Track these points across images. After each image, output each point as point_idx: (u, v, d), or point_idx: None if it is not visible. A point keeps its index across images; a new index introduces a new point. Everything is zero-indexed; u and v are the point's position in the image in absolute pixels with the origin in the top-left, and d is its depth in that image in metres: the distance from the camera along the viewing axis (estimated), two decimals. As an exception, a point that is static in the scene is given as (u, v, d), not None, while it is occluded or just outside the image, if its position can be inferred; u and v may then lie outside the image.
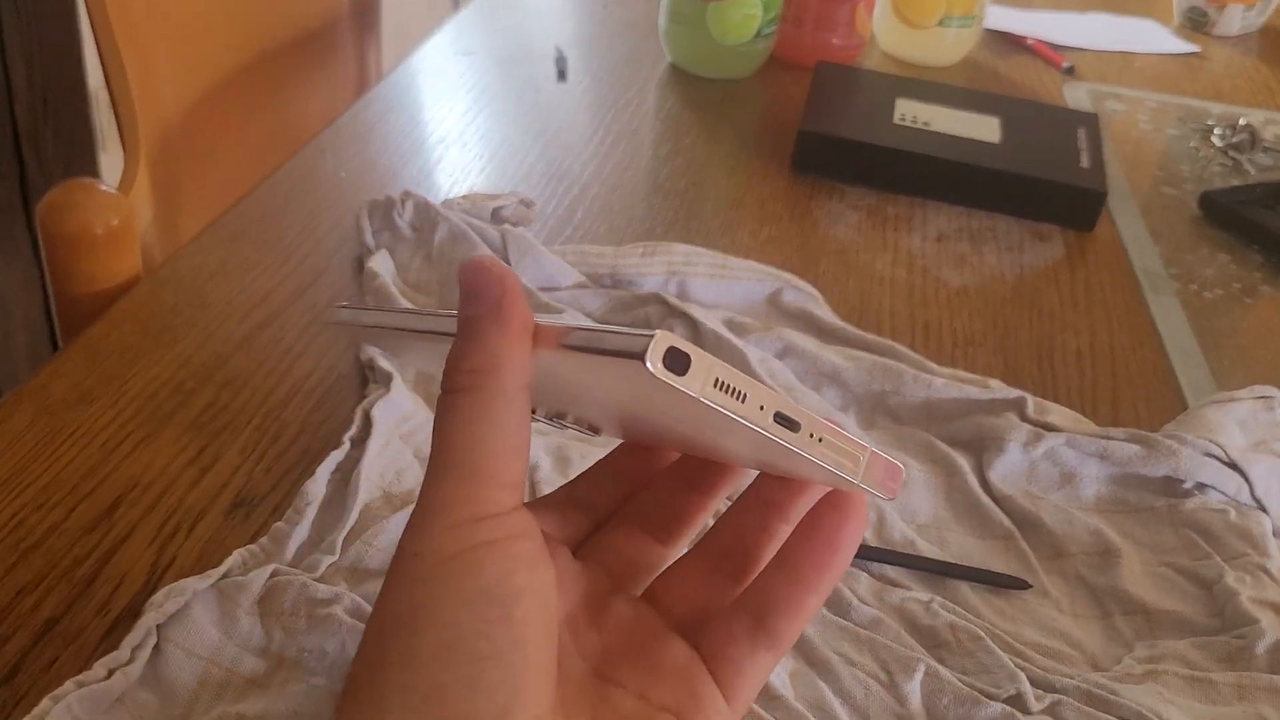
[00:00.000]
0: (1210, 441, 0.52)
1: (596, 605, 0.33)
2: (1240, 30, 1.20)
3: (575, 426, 0.35)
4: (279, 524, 0.46)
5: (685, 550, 0.35)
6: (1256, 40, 1.22)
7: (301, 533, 0.46)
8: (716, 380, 0.25)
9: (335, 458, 0.49)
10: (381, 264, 0.63)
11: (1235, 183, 0.87)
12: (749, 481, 0.35)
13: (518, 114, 0.87)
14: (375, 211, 0.68)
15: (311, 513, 0.47)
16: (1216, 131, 0.94)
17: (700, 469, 0.36)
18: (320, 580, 0.44)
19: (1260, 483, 0.51)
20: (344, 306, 0.37)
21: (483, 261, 0.29)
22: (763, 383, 0.27)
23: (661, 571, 0.35)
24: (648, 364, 0.24)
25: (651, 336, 0.24)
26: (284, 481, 0.50)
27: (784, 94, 0.96)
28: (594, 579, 0.34)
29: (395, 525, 0.47)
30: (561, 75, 0.95)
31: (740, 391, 0.26)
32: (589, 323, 0.28)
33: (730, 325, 0.61)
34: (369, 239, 0.66)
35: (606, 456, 0.37)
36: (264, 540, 0.46)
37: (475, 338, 0.28)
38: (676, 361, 0.24)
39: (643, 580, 0.35)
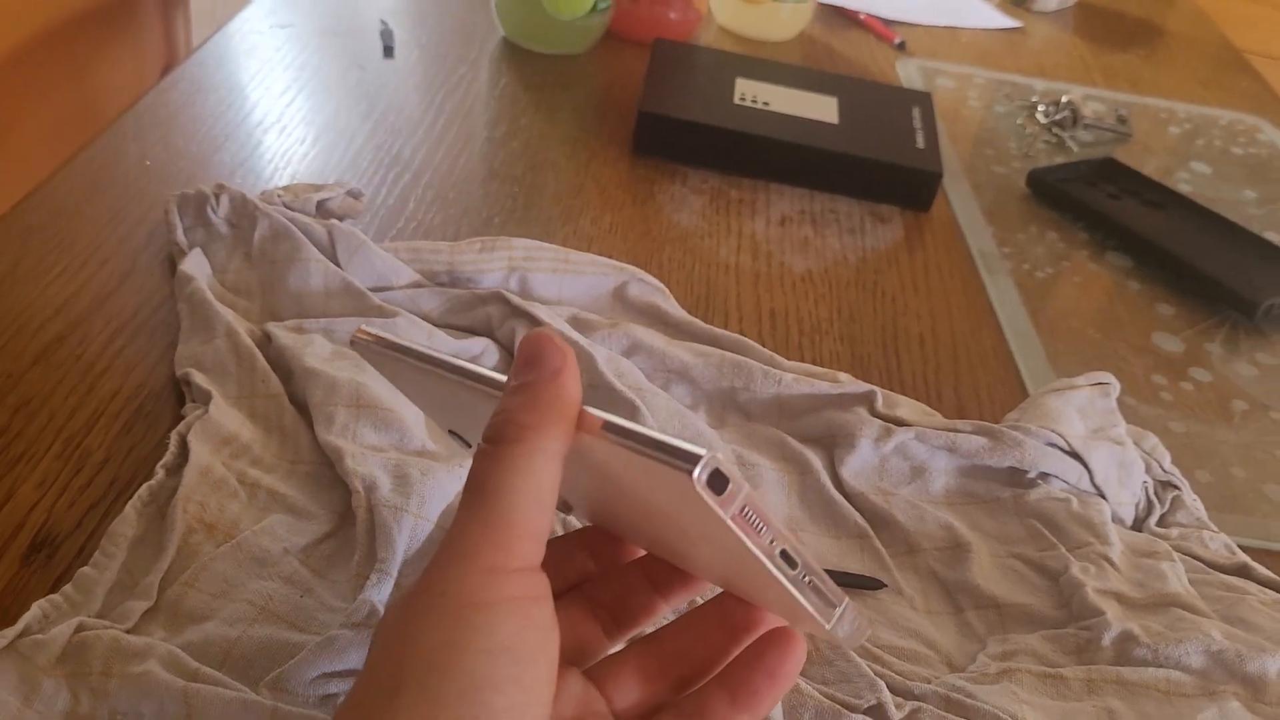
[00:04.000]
0: (1052, 431, 0.52)
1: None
2: (1058, 5, 1.24)
3: None
4: (85, 569, 0.42)
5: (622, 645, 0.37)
6: (1072, 15, 1.26)
7: (111, 577, 0.42)
8: (744, 508, 0.28)
9: (147, 490, 0.45)
10: (196, 265, 0.58)
11: (1059, 160, 0.89)
12: (702, 591, 0.37)
13: (342, 93, 0.82)
14: (186, 206, 0.62)
15: (121, 554, 0.43)
16: (1040, 109, 0.96)
17: (666, 572, 0.36)
18: (134, 630, 0.40)
19: (1100, 470, 0.52)
20: (371, 333, 0.36)
21: (549, 335, 0.31)
22: (778, 520, 0.29)
23: (605, 658, 0.36)
24: (695, 482, 0.26)
25: (701, 456, 0.26)
26: (89, 518, 0.45)
27: (623, 70, 0.93)
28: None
29: (220, 563, 0.43)
30: (388, 51, 0.90)
31: (760, 524, 0.28)
32: (629, 422, 0.29)
33: (575, 322, 0.59)
34: (180, 237, 0.61)
35: (580, 531, 0.38)
36: (68, 588, 0.41)
37: (531, 397, 0.30)
38: (717, 482, 0.27)
39: (582, 663, 0.36)
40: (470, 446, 0.36)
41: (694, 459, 0.27)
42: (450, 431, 0.41)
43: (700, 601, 0.37)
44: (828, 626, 0.32)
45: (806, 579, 0.30)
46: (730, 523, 0.28)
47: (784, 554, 0.29)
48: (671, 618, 0.37)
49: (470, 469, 0.30)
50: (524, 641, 0.28)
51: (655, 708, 0.34)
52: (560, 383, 0.30)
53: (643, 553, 0.37)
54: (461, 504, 0.30)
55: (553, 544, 0.36)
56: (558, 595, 0.35)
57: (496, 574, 0.29)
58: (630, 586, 0.36)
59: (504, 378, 0.32)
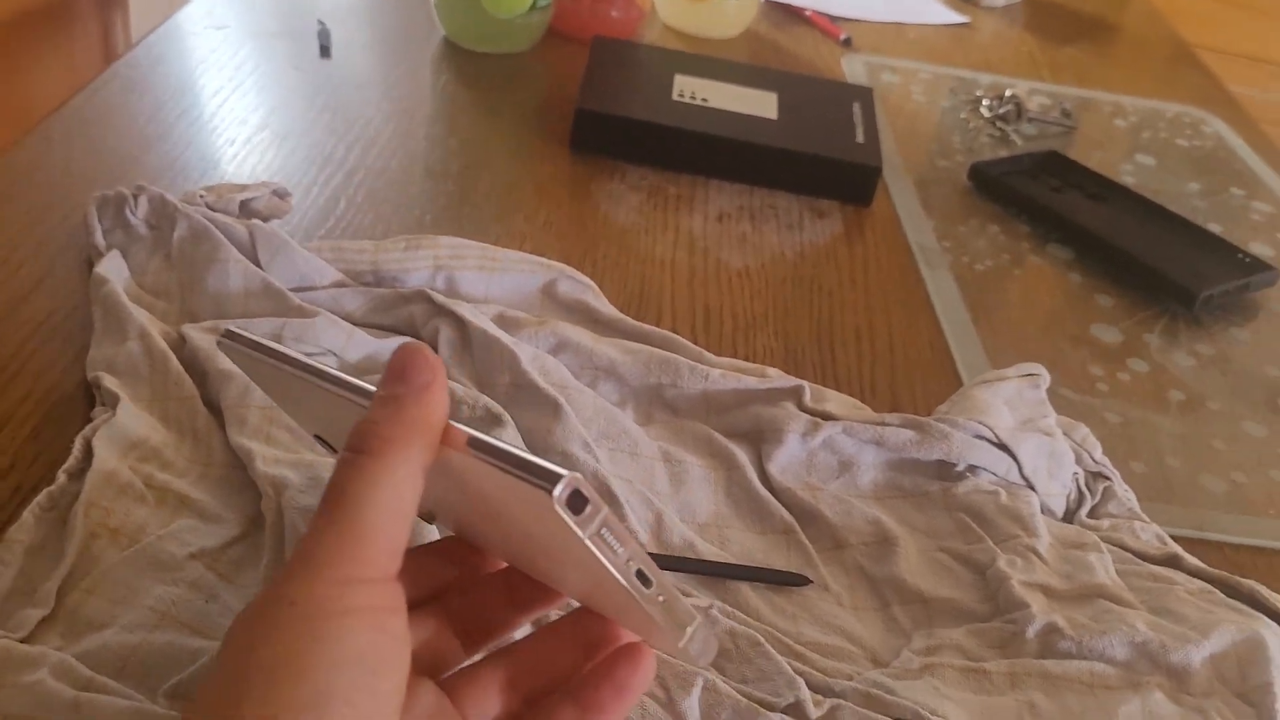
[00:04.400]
0: (980, 423, 0.52)
1: (409, 684, 0.33)
2: (1006, 1, 1.24)
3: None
4: (-20, 577, 0.41)
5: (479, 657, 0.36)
6: (1021, 10, 1.26)
7: (5, 585, 0.41)
8: (601, 529, 0.28)
9: (47, 495, 0.44)
10: (112, 267, 0.57)
11: (1003, 153, 0.89)
12: (560, 606, 0.37)
13: (277, 94, 0.81)
14: (105, 208, 0.61)
15: (18, 561, 0.41)
16: (985, 103, 0.96)
17: (526, 585, 0.36)
18: (30, 639, 0.39)
19: (1028, 462, 0.52)
20: (240, 333, 0.36)
21: (420, 348, 0.31)
22: (636, 539, 0.31)
23: (460, 670, 0.35)
24: (555, 501, 0.27)
25: (563, 476, 0.27)
26: (-10, 526, 0.44)
27: (564, 68, 0.93)
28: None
29: (122, 569, 0.42)
30: (324, 51, 0.89)
31: (617, 544, 0.29)
32: (493, 440, 0.30)
33: (502, 320, 0.58)
34: (99, 239, 0.60)
35: (438, 542, 0.37)
36: (-39, 597, 0.40)
37: (396, 409, 0.30)
38: (577, 502, 0.28)
39: (437, 674, 0.35)
40: (335, 452, 0.36)
41: (555, 479, 0.27)
42: (316, 436, 0.41)
43: (557, 616, 0.37)
44: (680, 644, 0.33)
45: (660, 598, 0.31)
46: (588, 542, 0.28)
47: (639, 573, 0.30)
48: (529, 630, 0.37)
49: (330, 477, 0.29)
50: (376, 652, 0.28)
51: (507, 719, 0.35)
52: (427, 398, 0.30)
53: (504, 565, 0.37)
54: (318, 512, 0.29)
55: (414, 552, 0.36)
56: (417, 604, 0.35)
57: (349, 584, 0.28)
58: (489, 599, 0.36)
59: (372, 388, 0.31)
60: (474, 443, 0.29)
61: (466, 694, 0.34)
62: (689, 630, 0.33)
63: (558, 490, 0.27)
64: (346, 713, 0.27)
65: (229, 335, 0.36)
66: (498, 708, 0.35)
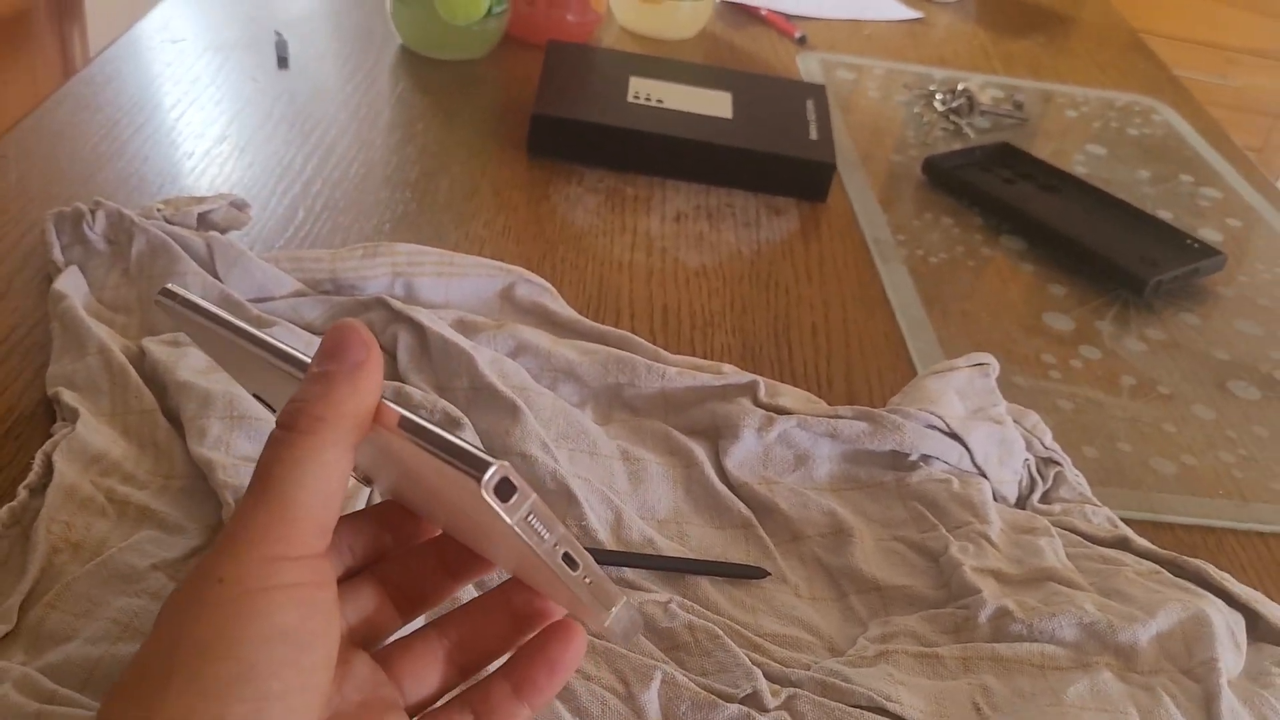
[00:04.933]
0: (931, 413, 0.53)
1: (342, 658, 0.34)
2: (960, -4, 1.26)
3: (354, 475, 0.37)
4: (-59, 594, 0.41)
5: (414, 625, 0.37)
6: (974, 5, 1.27)
7: (-33, 602, 0.41)
8: (529, 515, 0.29)
9: (8, 511, 0.44)
10: (70, 282, 0.57)
11: (956, 146, 0.90)
12: (494, 573, 0.38)
13: (234, 107, 0.81)
14: (63, 224, 0.61)
15: (-21, 579, 0.42)
16: (938, 97, 0.97)
17: (458, 554, 0.37)
18: (-9, 656, 0.39)
19: (979, 450, 0.53)
20: (177, 292, 0.37)
21: (355, 326, 0.31)
22: (564, 525, 0.32)
23: (395, 644, 0.36)
24: (483, 490, 0.28)
25: (491, 464, 0.28)
26: (-50, 545, 0.44)
27: (520, 74, 0.93)
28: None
29: (84, 583, 0.42)
30: (282, 62, 0.89)
31: (544, 529, 0.30)
32: (425, 422, 0.30)
33: (461, 325, 0.58)
34: (57, 255, 0.60)
35: (375, 507, 0.37)
36: (-76, 614, 0.40)
37: (327, 387, 0.30)
38: (505, 489, 0.28)
39: (373, 643, 0.36)
40: (274, 411, 0.36)
41: (484, 466, 0.28)
42: (255, 395, 0.41)
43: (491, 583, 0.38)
44: (605, 623, 0.34)
45: (586, 580, 0.32)
46: (515, 528, 0.29)
47: (566, 556, 0.31)
48: (463, 600, 0.38)
49: (260, 455, 0.30)
50: (304, 627, 0.28)
51: (443, 692, 0.35)
52: (359, 377, 0.30)
53: (439, 532, 0.37)
54: (248, 489, 0.30)
55: (351, 518, 0.37)
56: (351, 573, 0.36)
57: (277, 562, 0.28)
58: (424, 566, 0.37)
59: (307, 359, 0.32)
60: (405, 424, 0.30)
61: (402, 666, 0.35)
62: (613, 611, 0.34)
63: (486, 477, 0.28)
64: (274, 687, 0.27)
65: (166, 293, 0.36)
66: (434, 680, 0.35)
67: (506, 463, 0.28)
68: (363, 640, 0.35)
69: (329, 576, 0.30)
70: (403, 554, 0.37)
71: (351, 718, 0.32)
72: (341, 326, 0.31)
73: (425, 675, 0.35)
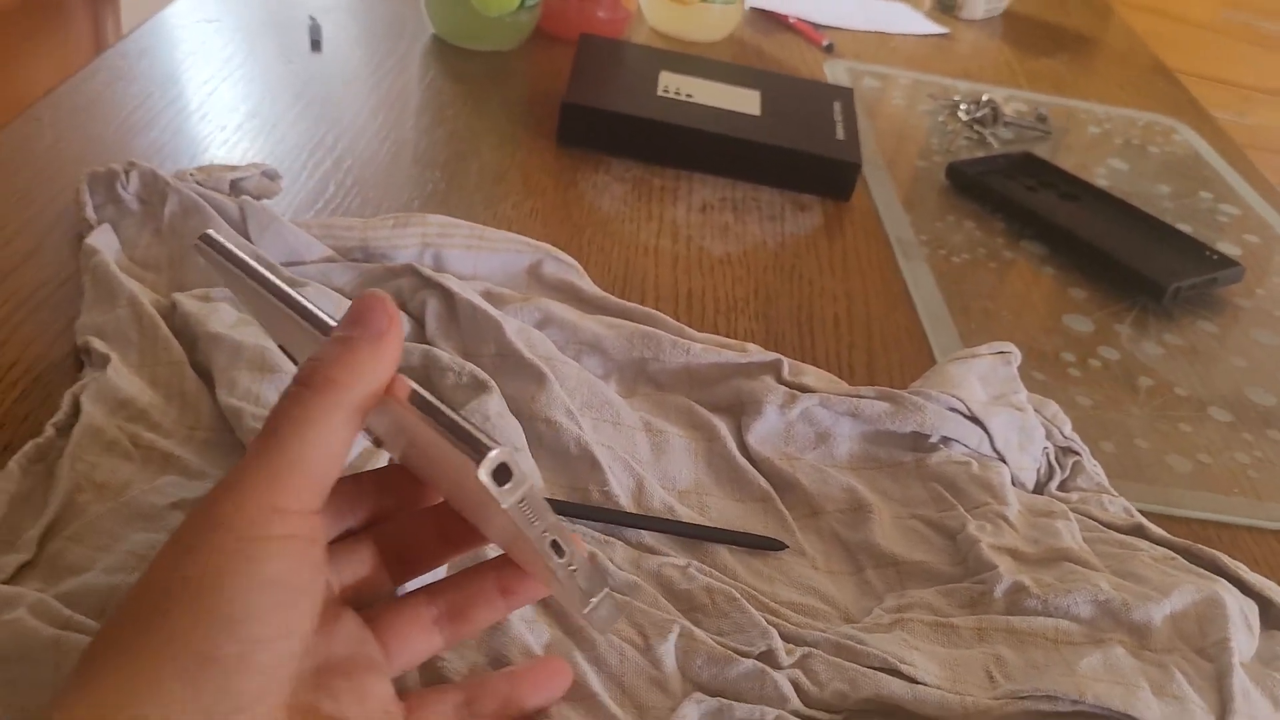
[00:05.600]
0: (953, 397, 0.53)
1: (330, 614, 0.35)
2: (985, 14, 1.27)
3: (369, 434, 0.38)
4: (-35, 523, 0.42)
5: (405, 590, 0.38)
6: (1000, 23, 1.28)
7: (-10, 534, 0.41)
8: (523, 500, 0.30)
9: (34, 447, 0.45)
10: (102, 239, 0.58)
11: (980, 154, 0.90)
12: (487, 547, 0.39)
13: (266, 85, 0.82)
14: (97, 184, 0.62)
15: (1, 509, 0.42)
16: (963, 107, 0.98)
17: (455, 524, 0.38)
18: (10, 581, 0.40)
19: (999, 434, 0.53)
20: (215, 239, 0.37)
21: (382, 297, 0.32)
22: (552, 511, 0.32)
23: (384, 606, 0.37)
24: (481, 472, 0.29)
25: (491, 449, 0.29)
26: (-20, 478, 0.45)
27: (551, 66, 0.94)
28: (332, 586, 0.36)
29: (105, 520, 0.43)
30: (315, 45, 0.90)
31: (535, 517, 0.31)
32: (434, 399, 0.31)
33: (488, 296, 0.59)
34: (90, 213, 0.61)
35: (380, 470, 0.38)
36: (-51, 543, 0.41)
37: (347, 351, 0.31)
38: (502, 474, 0.29)
39: (363, 603, 0.37)
40: (297, 364, 0.37)
41: (484, 450, 0.29)
42: (281, 348, 0.42)
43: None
44: (585, 610, 0.35)
45: (572, 568, 0.34)
46: (509, 512, 0.30)
47: (554, 544, 0.32)
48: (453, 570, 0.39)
49: (272, 407, 0.31)
50: (294, 578, 0.30)
51: (426, 657, 0.37)
52: (380, 346, 0.31)
53: (440, 499, 0.38)
54: (257, 438, 0.30)
55: (355, 479, 0.37)
56: (350, 534, 0.37)
57: (275, 513, 0.29)
58: (421, 533, 0.38)
59: (332, 321, 0.32)
60: (415, 398, 0.31)
61: (390, 628, 0.36)
62: (594, 600, 0.35)
63: (486, 460, 0.29)
64: (259, 631, 0.28)
65: (205, 240, 0.36)
66: (419, 644, 0.36)
67: (509, 448, 0.29)
68: (354, 599, 0.36)
69: (320, 534, 0.31)
70: (402, 519, 0.38)
71: (334, 671, 0.33)
72: (370, 296, 0.32)
73: (411, 639, 0.36)
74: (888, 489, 0.52)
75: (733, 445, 0.53)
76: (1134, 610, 0.44)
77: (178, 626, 0.28)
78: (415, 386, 0.31)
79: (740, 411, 0.55)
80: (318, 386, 0.30)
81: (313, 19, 0.93)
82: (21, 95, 0.97)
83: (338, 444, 0.31)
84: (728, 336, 0.63)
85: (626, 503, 0.49)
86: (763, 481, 0.52)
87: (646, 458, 0.52)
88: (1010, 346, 0.58)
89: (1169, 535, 0.51)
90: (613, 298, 0.61)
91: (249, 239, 0.59)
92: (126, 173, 0.61)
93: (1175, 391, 0.65)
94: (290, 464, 0.30)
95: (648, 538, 0.48)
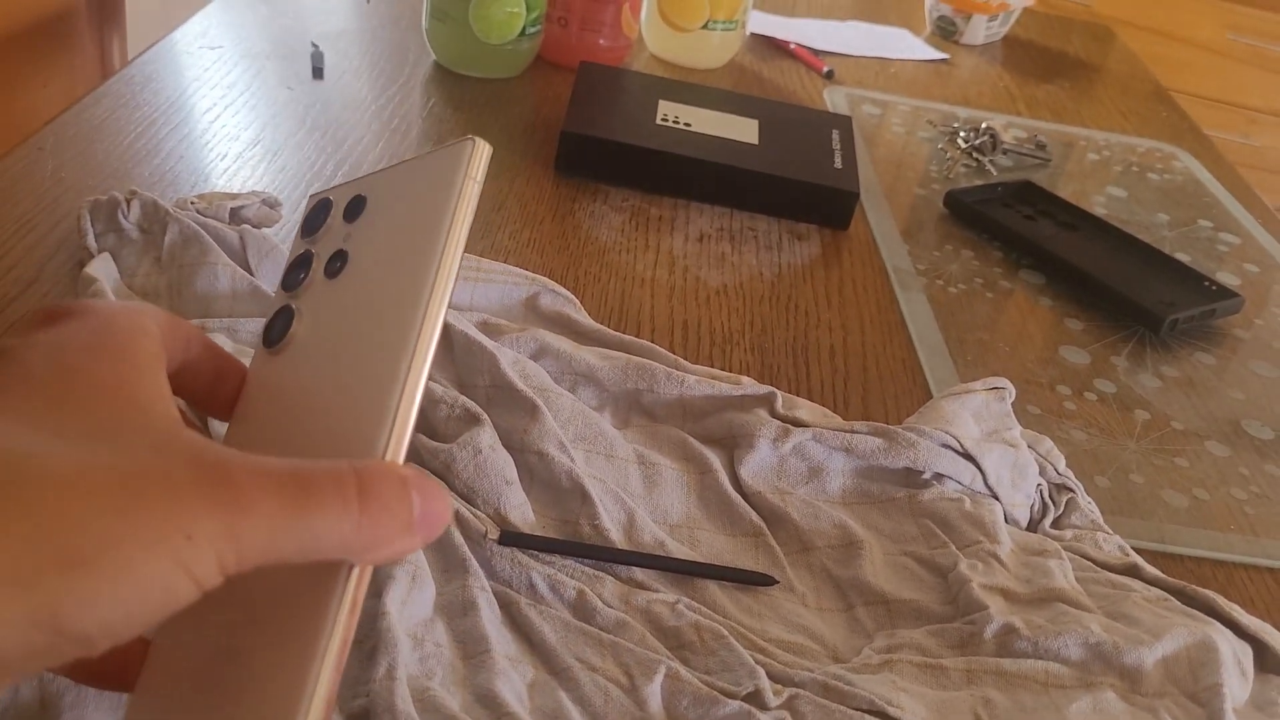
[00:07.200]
0: (946, 433, 0.53)
1: None
2: (985, 39, 1.27)
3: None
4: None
5: None
6: (1000, 49, 1.29)
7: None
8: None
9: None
10: (101, 268, 0.58)
11: (978, 182, 0.91)
12: None
13: (269, 113, 0.83)
14: (98, 212, 0.62)
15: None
16: (962, 134, 0.98)
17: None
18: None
19: (992, 471, 0.53)
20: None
21: (449, 510, 0.28)
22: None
23: None
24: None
25: None
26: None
27: (551, 94, 0.95)
28: None
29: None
30: (317, 72, 0.91)
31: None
32: None
33: (484, 326, 0.59)
34: (91, 241, 0.61)
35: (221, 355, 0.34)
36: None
37: (389, 528, 0.26)
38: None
39: None
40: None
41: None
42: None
43: None
44: None
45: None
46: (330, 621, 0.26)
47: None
48: None
49: (308, 467, 0.26)
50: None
51: None
52: (406, 540, 0.27)
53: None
54: (277, 475, 0.26)
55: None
56: None
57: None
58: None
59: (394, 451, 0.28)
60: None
61: None
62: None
63: None
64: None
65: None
66: None
67: None
68: None
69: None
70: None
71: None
72: (445, 502, 0.28)
73: None
74: (879, 525, 0.52)
75: (725, 479, 0.53)
76: (1125, 653, 0.44)
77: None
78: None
79: (733, 444, 0.55)
80: (321, 499, 0.26)
81: (315, 46, 0.94)
82: (27, 119, 0.98)
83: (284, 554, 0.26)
84: (723, 369, 0.63)
85: (618, 536, 0.49)
86: (754, 516, 0.52)
87: (639, 490, 0.52)
88: (1004, 382, 0.58)
89: (1164, 575, 0.51)
90: (609, 331, 0.61)
91: (249, 269, 0.60)
92: (128, 201, 0.62)
93: (1172, 425, 0.65)
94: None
95: (638, 573, 0.48)
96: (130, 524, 0.23)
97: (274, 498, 0.25)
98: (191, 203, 0.64)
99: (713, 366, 0.63)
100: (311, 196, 0.34)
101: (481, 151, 0.30)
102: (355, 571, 0.26)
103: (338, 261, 0.32)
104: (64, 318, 0.28)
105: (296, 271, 0.32)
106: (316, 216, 0.34)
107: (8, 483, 0.23)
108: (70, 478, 0.23)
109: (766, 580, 0.49)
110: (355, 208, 0.32)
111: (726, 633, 0.45)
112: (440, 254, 0.29)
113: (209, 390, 0.33)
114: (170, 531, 0.23)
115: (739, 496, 0.53)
